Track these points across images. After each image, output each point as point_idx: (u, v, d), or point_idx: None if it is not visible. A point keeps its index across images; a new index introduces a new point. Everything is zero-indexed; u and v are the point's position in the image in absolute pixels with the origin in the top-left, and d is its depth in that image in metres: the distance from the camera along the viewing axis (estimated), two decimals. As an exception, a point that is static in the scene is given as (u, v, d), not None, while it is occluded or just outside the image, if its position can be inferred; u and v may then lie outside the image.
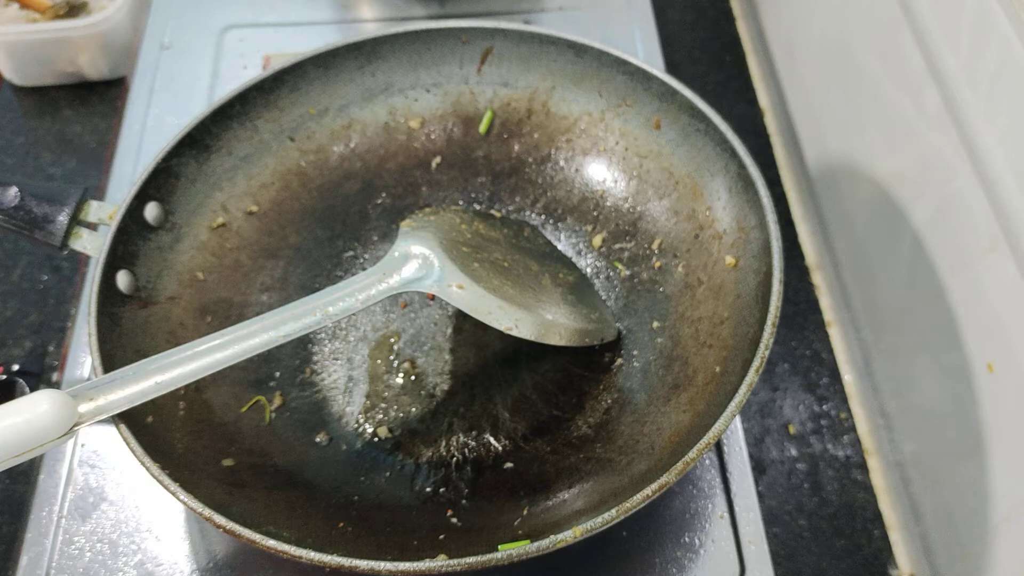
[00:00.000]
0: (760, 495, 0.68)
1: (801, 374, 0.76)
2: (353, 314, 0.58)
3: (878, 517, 0.69)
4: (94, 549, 0.64)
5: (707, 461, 0.68)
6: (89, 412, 0.49)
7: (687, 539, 0.64)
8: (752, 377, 0.53)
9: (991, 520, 0.59)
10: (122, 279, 0.62)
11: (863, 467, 0.71)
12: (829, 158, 0.84)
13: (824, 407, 0.74)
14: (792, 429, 0.73)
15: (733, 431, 0.69)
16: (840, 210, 0.82)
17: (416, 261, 0.60)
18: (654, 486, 0.49)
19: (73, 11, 0.90)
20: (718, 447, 0.68)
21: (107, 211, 0.63)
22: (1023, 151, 0.55)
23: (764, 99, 0.97)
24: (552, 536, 0.48)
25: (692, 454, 0.50)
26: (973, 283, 0.61)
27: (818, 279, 0.84)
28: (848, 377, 0.77)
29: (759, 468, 0.71)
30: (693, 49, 1.00)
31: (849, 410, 0.74)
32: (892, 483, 0.71)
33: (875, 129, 0.74)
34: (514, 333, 0.59)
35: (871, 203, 0.75)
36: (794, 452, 0.72)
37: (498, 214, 0.76)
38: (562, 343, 0.61)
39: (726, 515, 0.65)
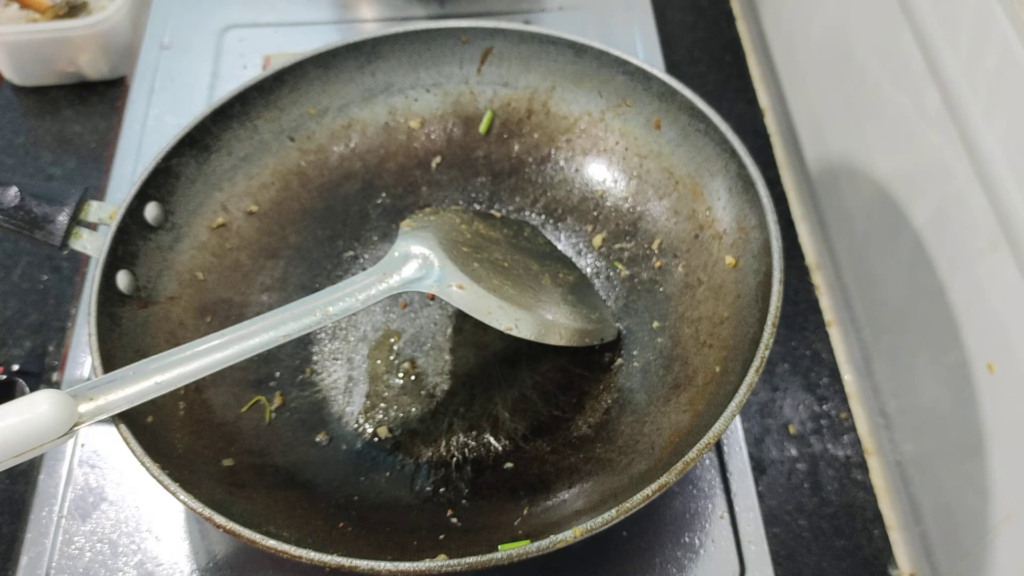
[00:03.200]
0: (760, 495, 0.68)
1: (801, 374, 0.76)
2: (353, 314, 0.58)
3: (878, 517, 0.69)
4: (94, 549, 0.64)
5: (707, 461, 0.68)
6: (89, 412, 0.49)
7: (687, 539, 0.64)
8: (752, 377, 0.53)
9: (991, 520, 0.59)
10: (122, 279, 0.62)
11: (863, 467, 0.71)
12: (829, 158, 0.83)
13: (824, 407, 0.74)
14: (792, 429, 0.73)
15: (733, 431, 0.69)
16: (840, 210, 0.82)
17: (416, 261, 0.60)
18: (654, 486, 0.49)
19: (73, 11, 0.90)
20: (718, 447, 0.68)
21: (107, 211, 0.63)
22: (1023, 151, 0.55)
23: (764, 99, 0.97)
24: (552, 536, 0.48)
25: (692, 454, 0.50)
26: (973, 283, 0.61)
27: (818, 279, 0.84)
28: (848, 377, 0.77)
29: (759, 468, 0.71)
30: (693, 49, 1.00)
31: (849, 410, 0.74)
32: (892, 483, 0.71)
33: (875, 129, 0.74)
34: (514, 333, 0.59)
35: (871, 203, 0.75)
36: (794, 452, 0.72)
37: (498, 214, 0.76)
38: (562, 343, 0.61)
39: (726, 515, 0.65)
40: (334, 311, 0.57)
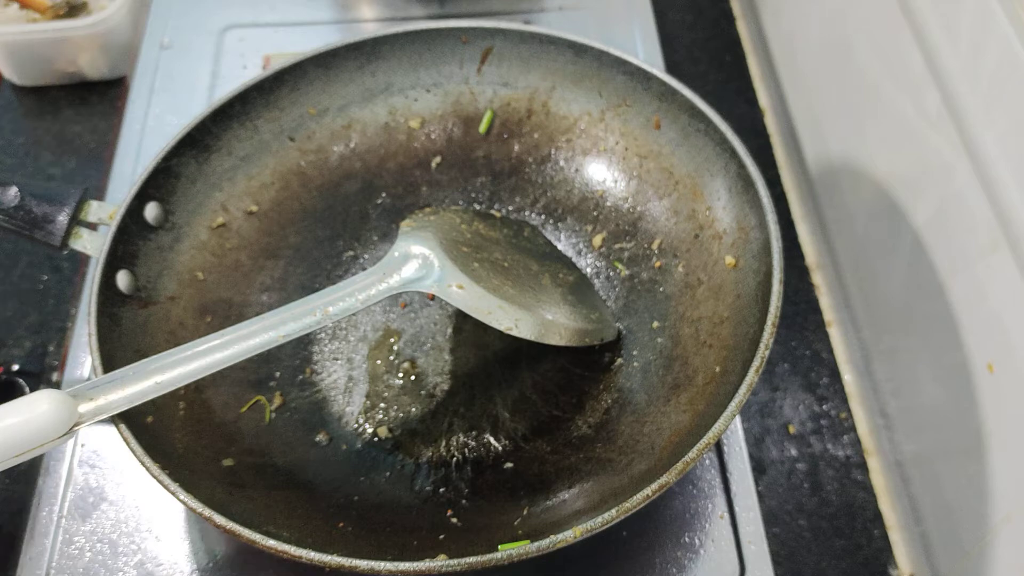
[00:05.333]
0: (760, 495, 0.68)
1: (801, 374, 0.76)
2: (353, 314, 0.58)
3: (878, 517, 0.69)
4: (94, 549, 0.64)
5: (707, 461, 0.68)
6: (89, 412, 0.49)
7: (687, 539, 0.64)
8: (752, 377, 0.53)
9: (991, 520, 0.59)
10: (122, 279, 0.62)
11: (863, 467, 0.71)
12: (829, 158, 0.83)
13: (824, 407, 0.74)
14: (792, 429, 0.73)
15: (733, 431, 0.69)
16: (840, 210, 0.82)
17: (416, 261, 0.60)
18: (654, 486, 0.49)
19: (73, 11, 0.90)
20: (718, 447, 0.68)
21: (107, 211, 0.64)
22: (1023, 151, 0.55)
23: (764, 99, 0.97)
24: (552, 536, 0.48)
25: (692, 454, 0.50)
26: (973, 283, 0.61)
27: (818, 279, 0.84)
28: (848, 377, 0.77)
29: (759, 468, 0.71)
30: (693, 49, 1.00)
31: (849, 410, 0.74)
32: (892, 483, 0.71)
33: (875, 129, 0.74)
34: (514, 333, 0.59)
35: (871, 203, 0.75)
36: (794, 452, 0.72)
37: (498, 214, 0.76)
38: (562, 343, 0.61)
39: (726, 515, 0.65)
40: (334, 311, 0.57)
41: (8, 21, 0.90)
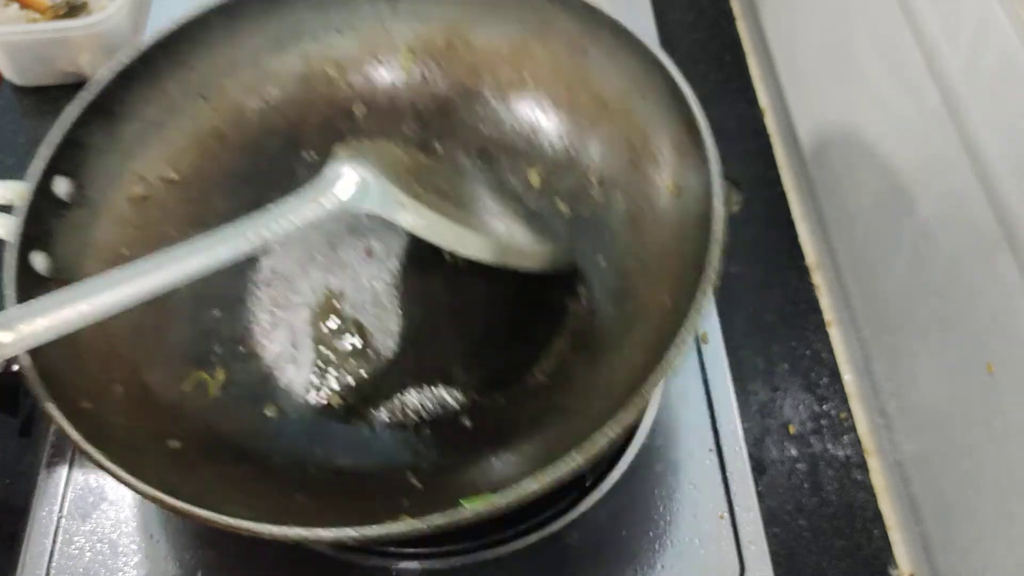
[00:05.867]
0: (760, 495, 0.68)
1: (801, 374, 0.76)
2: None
3: (878, 517, 0.69)
4: (94, 549, 0.64)
5: (707, 461, 0.68)
6: (11, 344, 0.47)
7: (687, 539, 0.64)
8: (700, 301, 0.50)
9: (991, 520, 0.59)
10: (39, 261, 0.58)
11: (863, 467, 0.71)
12: (829, 158, 0.83)
13: (824, 407, 0.74)
14: (792, 429, 0.73)
15: (733, 431, 0.69)
16: (840, 210, 0.82)
17: (352, 180, 0.56)
18: (613, 425, 0.47)
19: (73, 11, 0.90)
20: (718, 447, 0.68)
21: (16, 190, 0.59)
22: (1023, 151, 0.54)
23: (764, 99, 0.97)
24: (515, 486, 0.45)
25: (646, 387, 0.48)
26: (973, 283, 0.61)
27: (818, 279, 0.84)
28: (848, 377, 0.77)
29: (759, 468, 0.71)
30: (693, 49, 1.00)
31: (849, 410, 0.74)
32: (892, 483, 0.71)
33: (875, 129, 0.74)
34: (472, 255, 0.56)
35: (871, 203, 0.75)
36: (794, 452, 0.72)
37: (439, 149, 0.72)
38: (525, 264, 0.59)
39: (726, 515, 0.65)
40: (268, 234, 0.53)
41: (8, 21, 0.90)
